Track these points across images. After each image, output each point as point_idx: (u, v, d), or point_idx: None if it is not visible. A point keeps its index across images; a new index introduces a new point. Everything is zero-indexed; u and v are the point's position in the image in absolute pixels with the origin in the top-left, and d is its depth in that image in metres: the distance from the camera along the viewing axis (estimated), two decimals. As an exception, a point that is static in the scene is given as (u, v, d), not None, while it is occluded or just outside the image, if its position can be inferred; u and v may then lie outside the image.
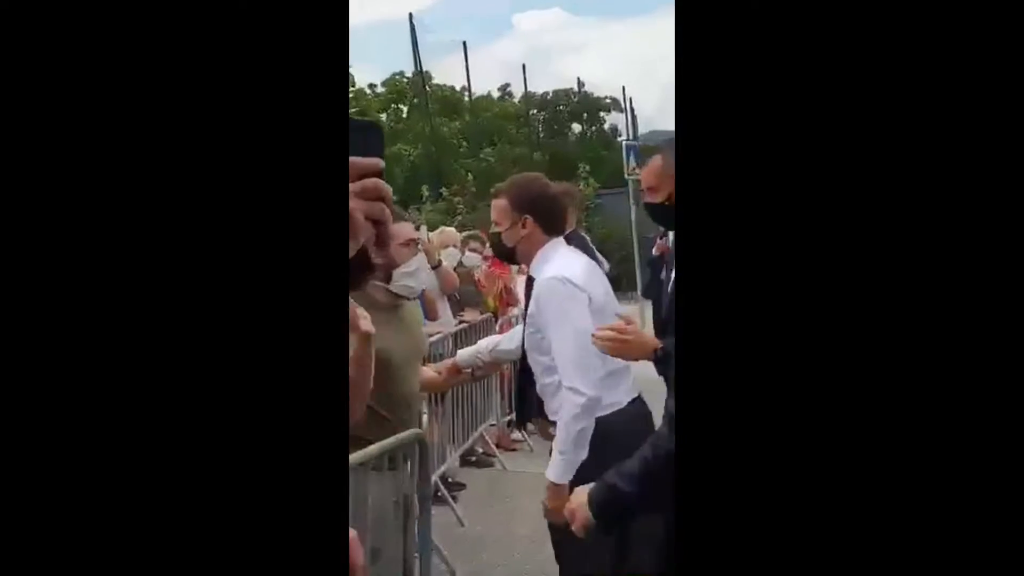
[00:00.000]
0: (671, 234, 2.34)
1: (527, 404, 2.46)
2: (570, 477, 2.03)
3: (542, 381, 2.29)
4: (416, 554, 2.32)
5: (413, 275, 2.25)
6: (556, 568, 2.37)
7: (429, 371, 2.64)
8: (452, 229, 6.81)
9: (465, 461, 5.32)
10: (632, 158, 12.87)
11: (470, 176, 18.01)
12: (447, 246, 5.85)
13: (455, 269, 5.59)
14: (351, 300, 1.67)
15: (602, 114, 28.10)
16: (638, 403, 2.31)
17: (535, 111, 26.50)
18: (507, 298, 5.99)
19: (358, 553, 1.50)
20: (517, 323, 4.26)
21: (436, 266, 5.08)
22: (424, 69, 21.18)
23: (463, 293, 5.63)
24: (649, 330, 2.50)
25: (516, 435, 5.66)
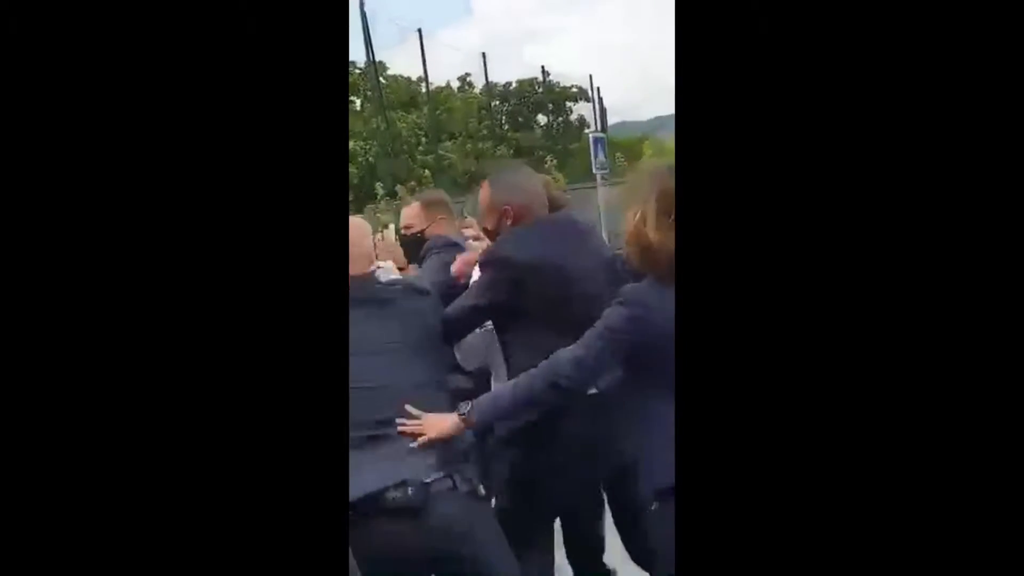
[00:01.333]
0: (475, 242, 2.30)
1: None
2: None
3: None
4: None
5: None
6: None
7: None
8: None
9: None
10: (600, 151, 12.96)
11: (427, 172, 17.92)
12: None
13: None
14: None
15: (569, 104, 28.17)
16: None
17: (497, 102, 26.49)
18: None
19: None
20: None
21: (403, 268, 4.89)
22: (377, 59, 21.03)
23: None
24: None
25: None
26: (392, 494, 1.84)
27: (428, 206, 2.50)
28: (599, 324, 1.73)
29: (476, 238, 2.37)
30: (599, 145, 13.13)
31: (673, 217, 1.63)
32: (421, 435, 1.89)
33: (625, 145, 22.59)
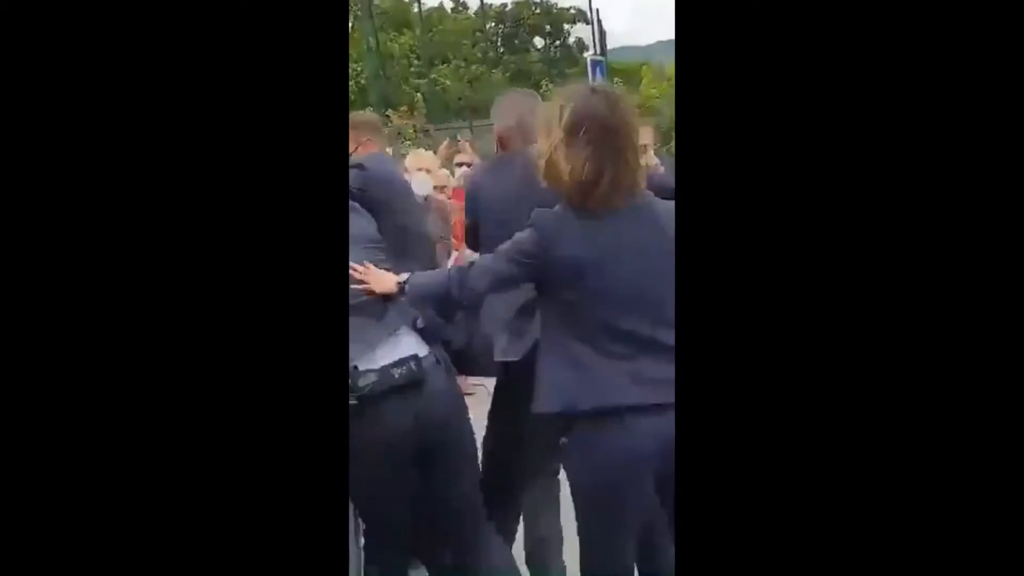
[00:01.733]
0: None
1: None
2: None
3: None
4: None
5: None
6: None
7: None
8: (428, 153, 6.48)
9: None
10: (599, 75, 12.81)
11: (419, 96, 17.75)
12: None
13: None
14: None
15: (567, 27, 27.70)
16: None
17: (492, 24, 25.99)
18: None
19: None
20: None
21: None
22: (368, -23, 20.53)
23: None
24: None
25: (473, 378, 5.51)
26: (397, 370, 1.91)
27: (354, 127, 2.39)
28: (509, 242, 1.82)
29: (468, 164, 2.40)
30: (598, 69, 12.95)
31: (585, 138, 1.70)
32: (365, 283, 1.98)
33: (624, 70, 22.30)
